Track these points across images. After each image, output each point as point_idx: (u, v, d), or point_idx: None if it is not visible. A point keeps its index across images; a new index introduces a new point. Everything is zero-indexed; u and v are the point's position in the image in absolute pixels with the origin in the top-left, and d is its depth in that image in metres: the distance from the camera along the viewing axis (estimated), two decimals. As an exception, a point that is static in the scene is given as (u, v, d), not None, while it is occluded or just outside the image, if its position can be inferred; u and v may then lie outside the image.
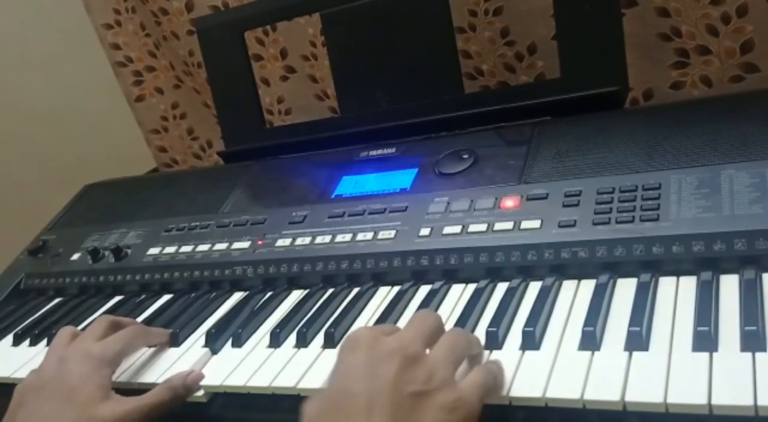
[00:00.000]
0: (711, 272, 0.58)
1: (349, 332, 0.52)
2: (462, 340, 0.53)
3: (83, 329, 0.69)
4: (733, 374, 0.47)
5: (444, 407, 0.46)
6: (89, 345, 0.64)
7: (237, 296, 0.80)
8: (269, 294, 0.77)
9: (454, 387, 0.48)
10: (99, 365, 0.61)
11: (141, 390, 0.66)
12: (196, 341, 0.71)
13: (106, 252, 0.92)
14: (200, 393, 0.63)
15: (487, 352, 0.57)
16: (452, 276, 0.70)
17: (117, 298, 0.88)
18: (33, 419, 0.59)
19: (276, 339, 0.67)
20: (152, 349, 0.71)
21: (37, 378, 0.62)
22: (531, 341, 0.56)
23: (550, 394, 0.50)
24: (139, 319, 0.79)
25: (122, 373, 0.67)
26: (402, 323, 0.64)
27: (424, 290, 0.69)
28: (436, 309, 0.66)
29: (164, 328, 0.73)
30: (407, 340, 0.49)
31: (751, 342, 0.49)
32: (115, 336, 0.66)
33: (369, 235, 0.76)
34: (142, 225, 0.95)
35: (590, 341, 0.54)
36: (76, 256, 0.96)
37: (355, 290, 0.73)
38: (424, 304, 0.66)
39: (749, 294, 0.54)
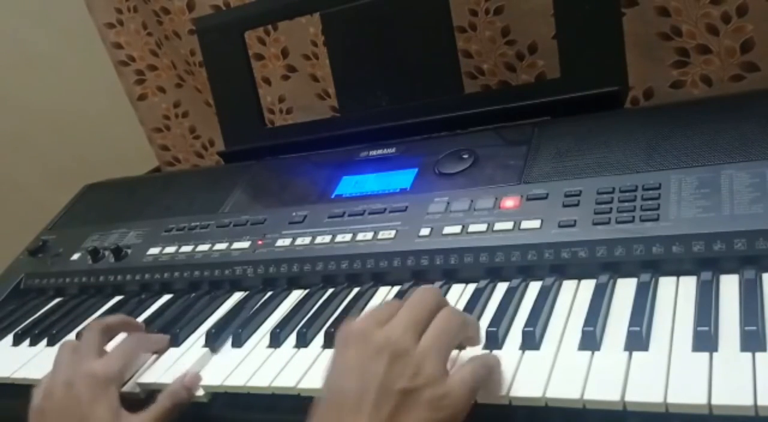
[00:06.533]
0: (711, 272, 0.58)
1: (344, 324, 0.52)
2: (453, 325, 0.52)
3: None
4: (733, 374, 0.47)
5: (430, 404, 0.46)
6: (92, 365, 0.64)
7: (237, 296, 0.80)
8: (269, 294, 0.77)
9: (442, 382, 0.48)
10: (105, 386, 0.62)
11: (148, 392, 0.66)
12: (196, 341, 0.71)
13: (106, 252, 0.92)
14: (201, 393, 0.63)
15: (486, 352, 0.57)
16: (452, 276, 0.70)
17: (117, 298, 0.88)
18: None
19: (276, 339, 0.67)
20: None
21: (49, 402, 0.62)
22: (531, 341, 0.56)
23: (550, 394, 0.50)
24: (139, 319, 0.79)
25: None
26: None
27: (424, 290, 0.69)
28: (436, 309, 0.66)
29: (163, 330, 0.73)
30: (397, 333, 0.49)
31: (751, 342, 0.49)
32: (117, 352, 0.66)
33: (369, 235, 0.76)
34: (142, 225, 0.95)
35: (590, 341, 0.54)
36: (76, 256, 0.96)
37: (355, 290, 0.73)
38: (424, 304, 0.65)
39: (749, 294, 0.54)
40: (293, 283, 0.78)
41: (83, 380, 0.62)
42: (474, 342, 0.56)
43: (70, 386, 0.62)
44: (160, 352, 0.70)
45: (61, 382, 0.63)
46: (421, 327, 0.51)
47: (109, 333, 0.70)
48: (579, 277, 0.64)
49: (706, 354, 0.49)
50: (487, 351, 0.56)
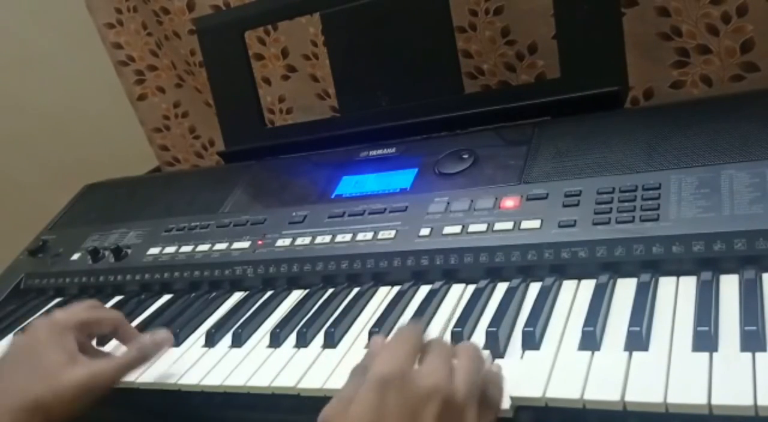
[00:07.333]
0: (711, 272, 0.58)
1: (376, 366, 0.47)
2: (478, 364, 0.50)
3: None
4: (733, 374, 0.47)
5: None
6: (54, 314, 0.65)
7: (237, 296, 0.80)
8: (269, 294, 0.77)
9: None
10: (62, 330, 0.63)
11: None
12: (196, 341, 0.71)
13: (106, 252, 0.92)
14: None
15: (486, 352, 0.57)
16: (452, 276, 0.70)
17: (117, 298, 0.88)
18: (9, 391, 0.59)
19: (276, 339, 0.67)
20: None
21: (11, 347, 0.64)
22: (531, 341, 0.56)
23: (550, 394, 0.50)
24: (139, 319, 0.79)
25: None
26: (402, 324, 0.65)
27: (424, 290, 0.69)
28: (436, 309, 0.66)
29: (163, 328, 0.73)
30: (442, 378, 0.46)
31: (751, 342, 0.49)
32: (81, 306, 0.68)
33: (369, 235, 0.76)
34: (142, 225, 0.95)
35: (590, 341, 0.54)
36: (76, 256, 0.96)
37: (355, 290, 0.73)
38: (424, 304, 0.66)
39: (749, 294, 0.54)
40: (293, 283, 0.78)
41: (42, 325, 0.63)
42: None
43: (32, 331, 0.63)
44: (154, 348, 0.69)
45: (26, 330, 0.65)
46: (450, 367, 0.49)
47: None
48: (579, 277, 0.64)
49: (706, 354, 0.49)
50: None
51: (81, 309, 0.67)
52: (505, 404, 0.51)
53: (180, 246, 0.88)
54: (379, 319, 0.65)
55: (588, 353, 0.53)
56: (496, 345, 0.57)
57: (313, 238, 0.79)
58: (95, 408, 0.67)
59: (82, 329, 0.65)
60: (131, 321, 0.79)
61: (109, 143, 1.59)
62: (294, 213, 0.84)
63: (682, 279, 0.60)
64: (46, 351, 0.60)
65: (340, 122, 0.99)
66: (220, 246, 0.85)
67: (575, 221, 0.66)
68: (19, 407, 0.56)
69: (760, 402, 0.44)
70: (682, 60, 0.93)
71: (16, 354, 0.62)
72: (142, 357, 0.64)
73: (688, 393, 0.46)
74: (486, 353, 0.56)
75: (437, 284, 0.69)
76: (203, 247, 0.86)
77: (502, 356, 0.56)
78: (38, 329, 0.63)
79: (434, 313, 0.65)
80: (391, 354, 0.47)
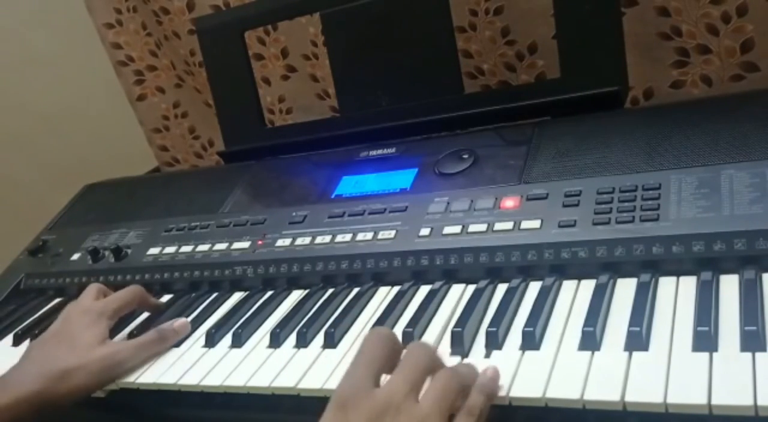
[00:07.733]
0: (711, 272, 0.58)
1: (336, 390, 0.49)
2: (453, 387, 0.50)
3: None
4: (733, 374, 0.47)
5: None
6: (89, 302, 0.74)
7: (237, 296, 0.80)
8: (269, 294, 0.77)
9: None
10: (98, 318, 0.71)
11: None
12: (197, 341, 0.71)
13: (106, 252, 0.92)
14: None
15: (487, 362, 0.57)
16: (452, 276, 0.70)
17: (117, 298, 0.88)
18: (38, 360, 0.67)
19: (276, 339, 0.67)
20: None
21: (45, 333, 0.72)
22: (531, 341, 0.56)
23: (550, 394, 0.50)
24: (139, 320, 0.79)
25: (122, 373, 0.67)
26: (401, 324, 0.65)
27: (424, 290, 0.69)
28: (436, 309, 0.66)
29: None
30: (399, 396, 0.47)
31: (751, 342, 0.49)
32: (114, 295, 0.76)
33: (369, 235, 0.76)
34: (142, 225, 0.95)
35: (590, 341, 0.54)
36: (76, 256, 0.96)
37: (355, 290, 0.73)
38: (424, 304, 0.65)
39: (749, 294, 0.54)
40: (293, 283, 0.78)
41: (78, 313, 0.72)
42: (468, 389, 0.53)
43: (67, 320, 0.72)
44: (152, 310, 0.78)
45: (60, 319, 0.73)
46: (419, 388, 0.49)
47: (106, 295, 0.77)
48: (579, 277, 0.64)
49: (706, 354, 0.49)
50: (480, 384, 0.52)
51: (112, 299, 0.74)
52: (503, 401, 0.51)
53: (180, 246, 0.88)
54: (379, 319, 0.65)
55: (588, 353, 0.53)
56: (496, 345, 0.57)
57: (313, 238, 0.79)
58: (95, 408, 0.67)
59: (115, 317, 0.73)
60: (132, 322, 0.79)
61: (109, 143, 1.59)
62: (294, 213, 0.84)
63: (682, 279, 0.60)
64: (82, 334, 0.69)
65: (340, 122, 0.99)
66: (220, 246, 0.85)
67: (575, 221, 0.66)
68: (48, 373, 0.65)
69: (760, 402, 0.44)
70: (682, 60, 0.93)
71: (55, 336, 0.70)
72: (161, 339, 0.70)
73: (688, 393, 0.46)
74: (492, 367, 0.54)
75: (437, 284, 0.69)
76: (203, 247, 0.86)
77: (502, 356, 0.56)
78: (75, 315, 0.72)
79: (434, 313, 0.65)
80: (349, 374, 0.50)
